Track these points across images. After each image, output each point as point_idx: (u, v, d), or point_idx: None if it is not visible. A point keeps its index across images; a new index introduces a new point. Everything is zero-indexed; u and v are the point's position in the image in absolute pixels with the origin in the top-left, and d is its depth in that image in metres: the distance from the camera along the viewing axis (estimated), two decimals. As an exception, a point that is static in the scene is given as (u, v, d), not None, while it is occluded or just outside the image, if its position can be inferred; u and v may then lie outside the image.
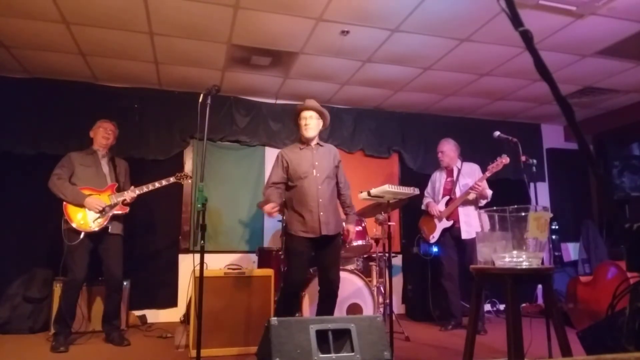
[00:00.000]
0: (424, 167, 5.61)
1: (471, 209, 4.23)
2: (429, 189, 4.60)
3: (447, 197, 4.35)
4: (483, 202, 4.21)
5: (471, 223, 4.16)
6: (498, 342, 3.64)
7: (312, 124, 3.23)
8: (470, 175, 4.31)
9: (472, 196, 4.18)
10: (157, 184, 3.73)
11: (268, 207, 3.14)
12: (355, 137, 5.49)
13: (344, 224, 3.39)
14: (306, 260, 3.20)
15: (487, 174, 4.08)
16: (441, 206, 4.35)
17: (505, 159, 3.99)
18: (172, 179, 3.77)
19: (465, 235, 4.14)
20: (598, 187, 5.74)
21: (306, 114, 3.25)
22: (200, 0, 3.27)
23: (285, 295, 3.20)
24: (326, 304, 3.20)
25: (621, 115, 5.66)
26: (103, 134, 3.75)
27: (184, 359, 3.19)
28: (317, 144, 3.31)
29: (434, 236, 4.35)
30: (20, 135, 4.43)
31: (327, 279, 3.19)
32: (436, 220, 4.34)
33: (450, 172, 4.44)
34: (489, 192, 4.18)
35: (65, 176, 3.58)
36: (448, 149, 4.42)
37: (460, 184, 4.30)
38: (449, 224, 4.27)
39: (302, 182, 3.21)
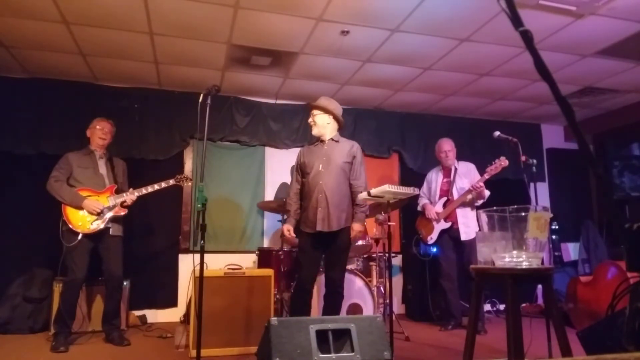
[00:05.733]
0: (424, 167, 5.60)
1: (468, 210, 4.23)
2: (424, 189, 4.57)
3: (444, 199, 4.33)
4: (479, 203, 4.20)
5: (469, 224, 4.16)
6: (498, 342, 3.64)
7: (316, 121, 3.30)
8: (466, 176, 4.29)
9: (469, 197, 4.17)
10: (156, 186, 3.71)
11: (285, 229, 3.32)
12: (355, 137, 5.47)
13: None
14: (310, 256, 3.21)
15: (486, 176, 4.05)
16: (439, 207, 4.33)
17: (504, 162, 3.93)
18: (171, 182, 3.77)
19: (464, 236, 4.14)
20: (598, 187, 5.75)
21: (313, 112, 3.33)
22: (200, 0, 3.27)
23: (294, 291, 3.29)
24: (329, 301, 3.21)
25: (621, 115, 5.66)
26: (100, 134, 3.73)
27: (184, 359, 3.19)
28: (332, 139, 3.32)
29: (432, 237, 4.34)
30: (20, 135, 4.43)
31: (328, 277, 3.22)
32: (434, 222, 4.34)
33: (447, 173, 4.42)
34: (487, 193, 4.17)
35: (62, 178, 3.57)
36: (452, 149, 4.38)
37: (457, 184, 4.28)
38: (447, 225, 4.26)
39: (308, 177, 3.29)
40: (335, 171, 3.21)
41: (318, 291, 3.69)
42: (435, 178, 4.48)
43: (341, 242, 3.18)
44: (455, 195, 4.24)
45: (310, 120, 3.34)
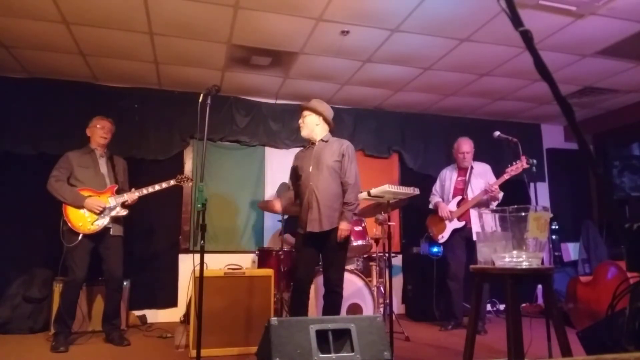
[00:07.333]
0: (424, 167, 5.61)
1: None
2: (437, 187, 4.52)
3: (458, 197, 4.27)
4: (494, 204, 4.12)
5: None
6: (498, 342, 3.64)
7: (306, 122, 3.30)
8: (482, 176, 4.24)
9: (484, 198, 4.11)
10: (157, 187, 3.71)
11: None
12: (355, 137, 5.48)
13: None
14: (305, 256, 3.22)
15: (506, 176, 3.97)
16: (452, 206, 4.28)
17: (524, 163, 3.82)
18: (172, 182, 3.76)
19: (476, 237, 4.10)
20: (598, 187, 5.74)
21: (303, 113, 3.34)
22: (200, 0, 3.27)
23: (291, 292, 3.28)
24: (327, 300, 3.21)
25: (621, 115, 5.66)
26: (101, 133, 3.72)
27: (184, 359, 3.19)
28: (322, 140, 3.31)
29: (443, 236, 4.29)
30: (20, 135, 4.43)
31: (326, 277, 3.22)
32: (446, 221, 4.29)
33: (463, 172, 4.36)
34: (501, 195, 4.12)
35: (63, 178, 3.57)
36: (471, 150, 4.32)
37: (472, 184, 4.23)
38: (460, 224, 4.21)
39: (301, 179, 3.31)
40: (326, 171, 3.20)
41: (317, 291, 3.69)
42: (449, 176, 4.42)
43: (334, 241, 3.15)
44: (470, 195, 4.20)
45: (300, 121, 3.35)
